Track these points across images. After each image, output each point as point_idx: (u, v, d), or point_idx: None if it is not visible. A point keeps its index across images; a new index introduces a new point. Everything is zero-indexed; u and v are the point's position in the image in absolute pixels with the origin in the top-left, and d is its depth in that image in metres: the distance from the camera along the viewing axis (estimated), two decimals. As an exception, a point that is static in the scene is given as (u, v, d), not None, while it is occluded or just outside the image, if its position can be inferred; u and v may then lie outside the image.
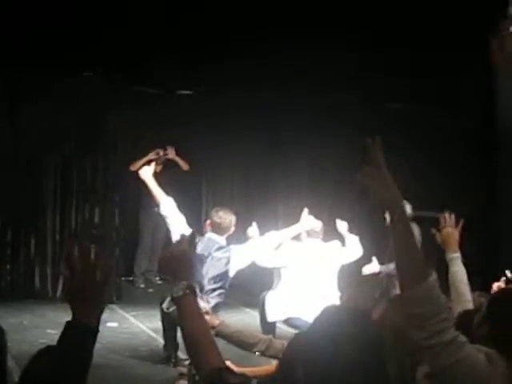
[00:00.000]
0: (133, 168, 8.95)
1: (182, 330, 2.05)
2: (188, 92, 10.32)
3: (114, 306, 8.88)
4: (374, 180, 1.99)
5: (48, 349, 2.48)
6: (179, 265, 2.08)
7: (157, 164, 8.61)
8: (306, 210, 6.87)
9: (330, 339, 1.61)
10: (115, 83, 9.38)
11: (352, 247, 7.15)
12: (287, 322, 6.78)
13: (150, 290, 10.18)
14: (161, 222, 10.19)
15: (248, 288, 9.24)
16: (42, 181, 9.33)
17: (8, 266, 9.19)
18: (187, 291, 2.05)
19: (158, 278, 10.63)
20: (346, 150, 10.82)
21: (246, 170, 10.70)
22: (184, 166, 10.15)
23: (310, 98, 10.00)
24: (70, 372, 1.82)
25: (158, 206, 6.21)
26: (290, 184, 10.60)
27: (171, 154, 9.99)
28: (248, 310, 8.91)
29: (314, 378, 1.61)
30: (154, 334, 7.55)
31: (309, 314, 6.19)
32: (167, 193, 6.33)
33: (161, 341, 6.92)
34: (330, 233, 7.35)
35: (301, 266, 6.74)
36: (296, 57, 8.90)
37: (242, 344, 3.76)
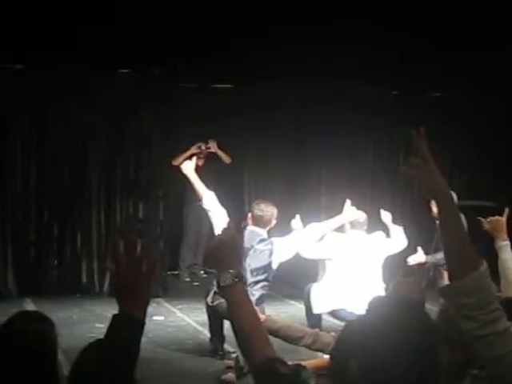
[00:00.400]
0: (175, 163, 8.99)
1: (231, 319, 2.02)
2: (227, 85, 10.33)
3: (159, 299, 8.96)
4: (420, 171, 1.97)
5: (98, 342, 2.53)
6: (227, 253, 2.05)
7: (199, 158, 8.65)
8: (348, 202, 6.84)
9: (380, 329, 1.61)
10: (152, 78, 9.43)
11: (397, 238, 7.10)
12: (333, 313, 6.77)
13: (196, 284, 10.25)
14: (205, 216, 10.31)
15: (292, 280, 9.25)
16: (87, 177, 9.44)
17: (55, 262, 9.33)
18: (235, 279, 2.01)
19: (202, 272, 10.71)
20: (385, 140, 10.78)
21: (288, 163, 10.68)
22: (226, 159, 10.18)
23: (348, 89, 9.94)
24: (118, 364, 1.85)
25: (200, 200, 6.25)
26: (332, 176, 10.55)
27: (213, 147, 10.02)
28: (293, 302, 8.91)
29: (367, 369, 1.61)
30: (200, 328, 7.60)
31: (354, 305, 6.17)
32: (209, 187, 6.37)
33: (207, 334, 6.96)
34: (374, 224, 7.31)
35: (345, 258, 6.72)
36: (336, 49, 8.83)
37: (289, 338, 3.76)
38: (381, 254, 6.98)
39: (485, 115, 10.63)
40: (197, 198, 6.40)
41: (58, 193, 9.30)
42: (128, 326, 1.88)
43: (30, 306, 8.39)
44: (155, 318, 7.84)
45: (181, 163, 6.63)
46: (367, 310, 1.74)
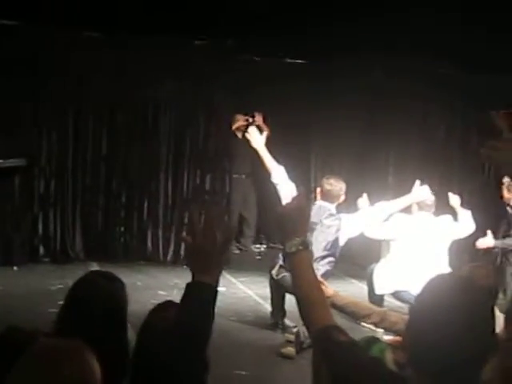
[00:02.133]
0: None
1: (294, 286, 2.03)
2: (299, 61, 10.27)
3: (222, 271, 9.02)
4: (500, 154, 1.93)
5: (168, 302, 2.59)
6: (294, 220, 2.04)
7: (244, 130, 8.69)
8: (417, 182, 6.76)
9: (434, 308, 1.59)
10: (224, 50, 9.44)
11: (464, 222, 6.98)
12: (395, 295, 6.72)
13: (258, 257, 10.31)
14: (250, 191, 10.39)
15: (354, 259, 9.22)
16: (156, 147, 9.55)
17: (122, 228, 9.50)
18: (301, 247, 2.02)
19: (263, 246, 10.78)
20: (458, 122, 10.56)
21: (356, 141, 10.58)
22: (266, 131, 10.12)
23: (424, 66, 9.75)
24: (193, 328, 1.88)
25: (269, 174, 6.29)
26: (400, 155, 10.42)
27: (258, 120, 9.93)
28: (354, 281, 8.89)
29: (429, 345, 1.60)
30: (260, 300, 7.65)
31: (417, 288, 6.10)
32: (277, 161, 6.39)
33: (267, 307, 7.01)
34: (441, 207, 7.20)
35: (411, 240, 6.65)
36: (414, 24, 8.65)
37: (356, 315, 3.75)
38: (447, 238, 6.89)
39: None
40: (266, 173, 6.42)
41: (128, 161, 9.44)
42: (202, 292, 1.92)
43: (95, 269, 8.59)
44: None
45: (233, 132, 6.65)
46: (425, 288, 1.73)
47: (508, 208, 7.81)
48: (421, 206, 6.84)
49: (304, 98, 10.27)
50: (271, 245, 11.01)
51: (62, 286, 7.44)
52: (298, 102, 10.29)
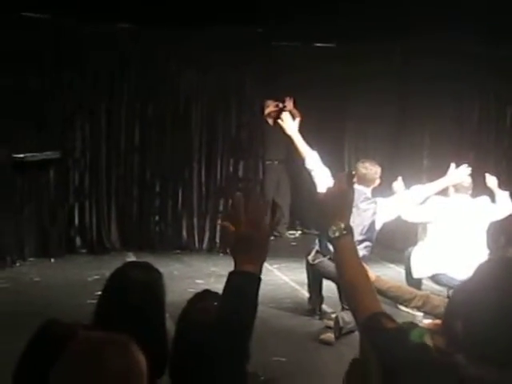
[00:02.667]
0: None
1: (338, 272, 1.99)
2: (328, 45, 10.19)
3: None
4: None
5: (206, 292, 2.57)
6: (338, 205, 2.00)
7: (276, 116, 8.63)
8: (453, 165, 6.67)
9: (485, 292, 1.56)
10: (255, 37, 9.39)
11: (503, 203, 6.87)
12: (433, 278, 6.65)
13: (293, 243, 10.30)
14: (284, 177, 10.36)
15: (391, 243, 9.16)
16: (189, 135, 9.55)
17: (157, 218, 9.53)
18: (344, 232, 1.98)
19: (298, 232, 10.77)
20: (491, 100, 10.39)
21: (390, 124, 10.48)
22: (298, 116, 10.09)
23: (453, 46, 9.60)
24: (236, 318, 1.86)
25: (303, 160, 6.26)
26: (435, 138, 10.29)
27: (289, 105, 9.87)
28: (392, 265, 8.81)
29: (471, 330, 1.57)
30: (297, 287, 7.63)
31: (456, 270, 6.05)
32: (310, 146, 6.36)
33: (305, 293, 6.99)
34: (478, 188, 7.10)
35: (448, 222, 6.57)
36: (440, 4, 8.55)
37: (398, 299, 3.72)
38: (485, 220, 6.78)
39: None
40: (300, 159, 6.40)
41: (161, 150, 9.46)
42: (245, 281, 1.89)
43: (131, 259, 8.62)
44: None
45: (265, 118, 6.61)
46: (476, 271, 1.69)
47: None
48: (457, 188, 6.75)
49: (336, 83, 10.19)
50: (306, 231, 10.98)
51: (99, 276, 7.48)
52: (330, 86, 10.22)
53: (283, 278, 8.13)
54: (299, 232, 10.96)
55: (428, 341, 3.00)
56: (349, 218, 2.03)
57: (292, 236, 10.74)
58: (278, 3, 8.68)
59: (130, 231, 9.38)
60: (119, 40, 9.09)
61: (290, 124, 6.29)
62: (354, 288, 1.91)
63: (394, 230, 10.09)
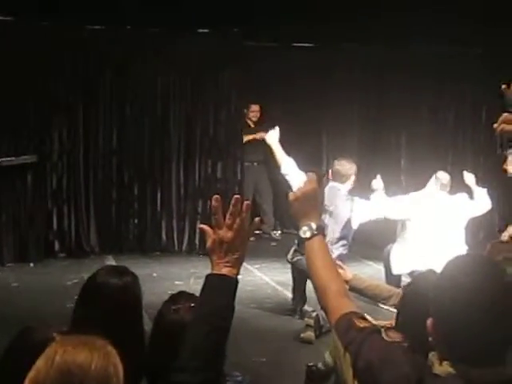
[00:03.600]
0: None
1: (310, 272, 2.00)
2: (306, 44, 10.20)
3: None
4: None
5: (181, 293, 2.58)
6: (307, 205, 2.02)
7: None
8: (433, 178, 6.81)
9: (456, 285, 1.58)
10: (231, 37, 9.39)
11: (481, 200, 6.93)
12: (412, 275, 6.69)
13: (273, 244, 10.31)
14: (262, 178, 10.39)
15: (370, 241, 9.19)
16: (167, 137, 9.53)
17: (136, 220, 9.50)
18: (316, 232, 1.99)
19: (278, 232, 10.78)
20: (468, 99, 10.48)
21: (367, 125, 10.53)
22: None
23: (429, 50, 9.70)
24: (213, 320, 1.86)
25: (279, 167, 6.36)
26: (411, 138, 10.36)
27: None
28: (370, 262, 8.85)
29: (440, 324, 1.59)
30: (278, 287, 7.64)
31: (435, 267, 6.08)
32: (288, 151, 6.43)
33: (285, 293, 6.99)
34: (456, 186, 7.15)
35: (427, 219, 6.62)
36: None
37: (376, 297, 3.73)
38: (463, 216, 6.85)
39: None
40: (276, 165, 6.48)
41: (139, 152, 9.43)
42: (222, 283, 1.89)
43: (111, 262, 8.59)
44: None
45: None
46: (447, 268, 1.71)
47: None
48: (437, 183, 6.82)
49: (313, 83, 10.20)
50: (286, 231, 10.99)
51: (78, 280, 7.44)
52: (307, 86, 10.24)
53: (264, 278, 8.14)
54: (279, 232, 10.97)
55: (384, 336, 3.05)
56: (319, 218, 2.03)
57: (272, 236, 10.74)
58: (254, 3, 8.68)
59: (109, 234, 9.34)
60: (96, 42, 9.04)
61: (271, 134, 6.40)
62: (324, 288, 1.91)
63: (372, 228, 10.14)
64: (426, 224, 6.62)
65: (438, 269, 5.43)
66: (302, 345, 5.86)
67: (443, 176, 6.83)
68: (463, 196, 6.89)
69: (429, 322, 1.59)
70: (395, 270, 6.71)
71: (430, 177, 10.40)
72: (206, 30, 9.35)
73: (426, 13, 8.53)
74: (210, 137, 9.63)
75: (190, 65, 9.38)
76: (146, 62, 9.26)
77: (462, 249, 6.51)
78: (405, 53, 9.83)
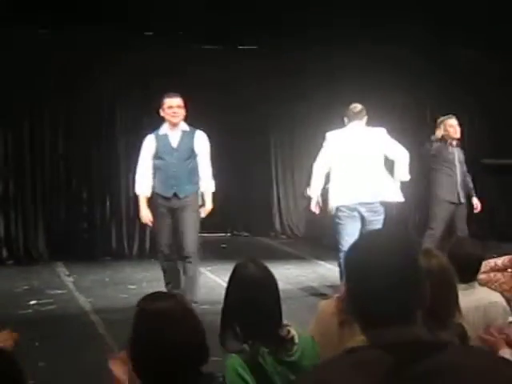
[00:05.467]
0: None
1: None
2: (252, 47, 10.24)
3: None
4: None
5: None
6: None
7: None
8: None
9: (370, 266, 1.63)
10: (176, 41, 9.39)
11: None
12: None
13: (223, 245, 10.35)
14: None
15: (319, 240, 9.32)
16: (114, 141, 9.48)
17: (85, 225, 9.41)
18: None
19: (228, 234, 10.83)
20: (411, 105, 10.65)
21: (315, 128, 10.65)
22: None
23: (373, 51, 9.84)
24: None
25: None
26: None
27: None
28: (321, 262, 8.94)
29: (356, 290, 1.66)
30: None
31: (369, 195, 6.65)
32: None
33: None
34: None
35: (347, 156, 6.78)
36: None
37: None
38: (381, 148, 6.92)
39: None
40: None
41: (87, 157, 9.36)
42: None
43: (61, 269, 8.52)
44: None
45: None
46: (359, 238, 1.79)
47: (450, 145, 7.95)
48: (349, 115, 6.92)
49: (262, 85, 10.25)
50: (235, 232, 11.05)
51: (28, 287, 7.37)
52: (256, 87, 10.29)
53: (216, 280, 8.14)
54: (229, 234, 11.02)
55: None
56: None
57: (222, 238, 10.78)
58: (198, 6, 8.69)
59: (58, 240, 9.23)
60: (39, 48, 8.93)
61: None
62: None
63: (322, 227, 10.27)
64: (346, 161, 6.76)
65: (369, 195, 5.74)
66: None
67: (354, 105, 6.95)
68: (382, 130, 6.98)
69: (343, 288, 1.66)
70: (336, 203, 6.77)
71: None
72: (151, 33, 9.32)
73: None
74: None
75: (137, 68, 9.33)
76: (91, 68, 9.17)
77: (385, 177, 6.76)
78: (352, 53, 9.91)
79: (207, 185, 6.55)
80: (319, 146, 7.03)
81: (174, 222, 6.44)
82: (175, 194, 6.45)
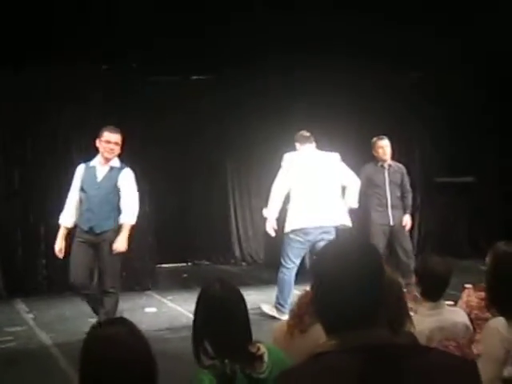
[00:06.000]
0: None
1: None
2: (201, 77, 10.33)
3: (150, 292, 9.06)
4: None
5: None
6: None
7: None
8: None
9: (336, 272, 1.71)
10: (129, 72, 9.44)
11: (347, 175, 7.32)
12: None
13: (185, 275, 10.36)
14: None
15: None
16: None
17: (43, 261, 9.33)
18: None
19: (189, 263, 10.84)
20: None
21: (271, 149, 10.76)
22: None
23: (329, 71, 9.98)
24: None
25: None
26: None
27: None
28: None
29: (321, 293, 1.73)
30: (192, 316, 7.66)
31: (324, 219, 6.91)
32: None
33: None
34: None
35: (305, 179, 7.03)
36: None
37: None
38: (335, 172, 7.15)
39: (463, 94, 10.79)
40: None
41: (43, 192, 9.30)
42: None
43: (20, 305, 8.44)
44: (147, 309, 7.91)
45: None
46: (324, 246, 1.86)
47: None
48: (299, 139, 7.20)
49: (219, 113, 10.35)
50: (196, 262, 11.07)
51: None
52: (213, 118, 10.38)
53: (178, 309, 8.15)
54: (190, 263, 11.04)
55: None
56: None
57: (183, 268, 10.78)
58: (150, 38, 8.77)
59: (17, 277, 9.14)
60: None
61: None
62: None
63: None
64: (305, 184, 6.98)
65: (325, 220, 5.94)
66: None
67: (302, 131, 7.26)
68: (336, 155, 7.24)
69: (309, 295, 1.73)
70: (290, 226, 6.97)
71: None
72: (106, 67, 9.37)
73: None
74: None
75: (92, 100, 9.36)
76: (49, 99, 9.15)
77: (339, 202, 7.05)
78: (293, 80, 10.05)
79: (125, 217, 6.45)
80: (276, 170, 7.16)
81: (94, 255, 6.46)
82: (91, 229, 6.43)
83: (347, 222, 7.13)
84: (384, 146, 7.97)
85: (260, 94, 10.40)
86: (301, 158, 7.10)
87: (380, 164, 7.99)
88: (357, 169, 7.66)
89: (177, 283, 9.68)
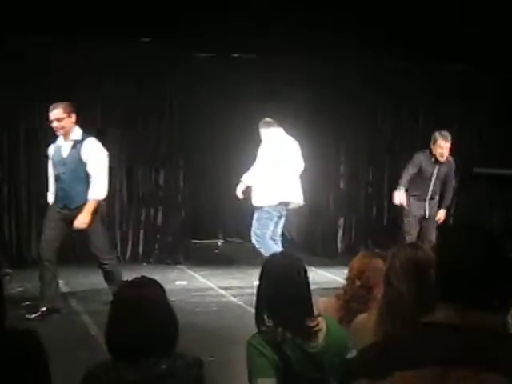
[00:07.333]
0: None
1: None
2: (246, 55, 10.25)
3: (181, 266, 9.16)
4: None
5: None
6: None
7: None
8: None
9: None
10: (172, 48, 9.43)
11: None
12: None
13: (216, 251, 10.43)
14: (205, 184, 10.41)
15: (312, 248, 9.33)
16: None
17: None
18: None
19: (220, 240, 10.90)
20: (404, 110, 10.76)
21: (306, 131, 10.73)
22: None
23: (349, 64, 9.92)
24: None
25: None
26: (349, 147, 10.57)
27: None
28: (313, 268, 9.00)
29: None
30: (223, 291, 7.75)
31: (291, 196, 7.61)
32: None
33: (230, 298, 7.11)
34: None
35: (269, 160, 7.64)
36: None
37: None
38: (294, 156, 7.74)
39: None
40: None
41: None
42: None
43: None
44: (178, 282, 8.00)
45: None
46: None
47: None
48: (265, 125, 7.75)
49: (254, 93, 10.27)
50: (228, 239, 11.10)
51: (22, 289, 7.48)
52: (248, 97, 10.32)
53: (208, 283, 8.23)
54: (221, 240, 11.08)
55: None
56: None
57: (214, 243, 10.84)
58: (195, 15, 8.75)
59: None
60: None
61: None
62: None
63: (313, 235, 10.36)
64: (281, 160, 7.59)
65: (291, 196, 6.19)
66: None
67: (265, 119, 7.75)
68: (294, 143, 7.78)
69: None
70: (257, 203, 7.61)
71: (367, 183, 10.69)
72: (148, 39, 9.39)
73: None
74: (153, 145, 9.69)
75: (134, 75, 9.41)
76: (87, 69, 9.22)
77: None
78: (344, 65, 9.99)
79: (91, 193, 6.36)
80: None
81: (71, 231, 6.42)
82: (66, 206, 6.43)
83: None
84: (444, 148, 7.81)
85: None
86: (277, 137, 7.70)
87: (434, 159, 7.90)
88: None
89: (208, 259, 9.75)
